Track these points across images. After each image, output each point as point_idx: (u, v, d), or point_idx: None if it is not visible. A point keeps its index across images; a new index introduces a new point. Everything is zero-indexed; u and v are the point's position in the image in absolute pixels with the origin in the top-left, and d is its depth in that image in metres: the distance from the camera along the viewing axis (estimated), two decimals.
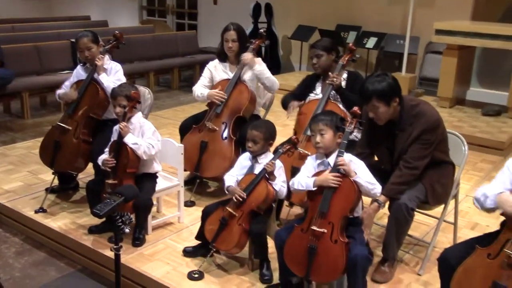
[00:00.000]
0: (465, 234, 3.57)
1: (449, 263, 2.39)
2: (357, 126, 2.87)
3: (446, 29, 6.47)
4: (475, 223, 3.86)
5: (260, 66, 4.04)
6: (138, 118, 3.40)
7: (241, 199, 2.93)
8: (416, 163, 2.92)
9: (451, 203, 3.22)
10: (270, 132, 3.11)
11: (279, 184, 2.99)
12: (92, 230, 3.47)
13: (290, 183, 2.80)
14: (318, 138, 2.74)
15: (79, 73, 3.92)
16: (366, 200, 2.93)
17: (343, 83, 3.68)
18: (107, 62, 3.86)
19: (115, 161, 3.25)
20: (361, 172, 2.65)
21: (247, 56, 3.98)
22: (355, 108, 2.85)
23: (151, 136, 3.33)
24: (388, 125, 2.99)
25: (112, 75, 3.82)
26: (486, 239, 2.37)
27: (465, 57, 6.80)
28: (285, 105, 3.87)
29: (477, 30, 6.34)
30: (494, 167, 4.97)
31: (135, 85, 3.62)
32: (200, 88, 4.11)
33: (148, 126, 3.37)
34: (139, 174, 3.36)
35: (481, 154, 5.34)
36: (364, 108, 3.11)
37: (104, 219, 3.19)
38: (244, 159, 3.14)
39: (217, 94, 3.96)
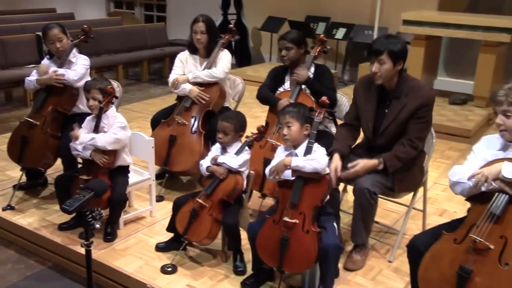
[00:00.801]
0: (434, 220, 3.65)
1: (418, 249, 2.44)
2: (326, 116, 2.91)
3: (413, 20, 6.57)
4: (444, 209, 3.95)
5: (192, 75, 3.96)
6: (112, 112, 3.35)
7: (225, 175, 2.96)
8: (418, 144, 2.99)
9: (420, 190, 3.28)
10: (240, 123, 3.11)
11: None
12: (63, 227, 3.42)
13: (266, 171, 2.82)
14: (285, 131, 2.76)
15: (49, 67, 3.81)
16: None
17: (311, 76, 3.68)
18: (74, 56, 3.79)
19: (108, 158, 3.20)
20: (318, 156, 2.69)
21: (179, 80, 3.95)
22: (324, 98, 2.88)
23: (116, 128, 3.26)
24: (380, 95, 3.05)
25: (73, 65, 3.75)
26: (453, 225, 2.43)
27: (432, 47, 6.91)
28: (264, 99, 3.78)
29: (443, 20, 6.46)
30: (462, 155, 5.08)
31: (109, 80, 3.55)
32: None
33: (118, 120, 3.32)
34: (113, 168, 3.32)
35: (449, 142, 5.45)
36: (360, 80, 3.20)
37: (73, 215, 3.15)
38: (216, 150, 3.15)
39: (199, 94, 3.92)
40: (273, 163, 2.80)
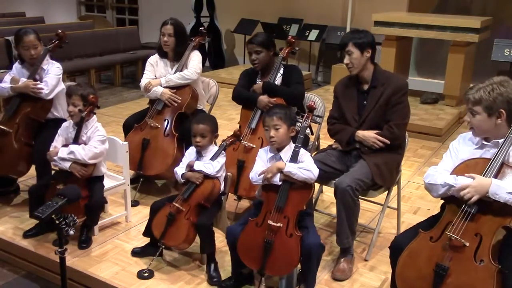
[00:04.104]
0: (408, 218, 3.71)
1: (401, 249, 2.42)
2: (314, 120, 2.91)
3: (384, 21, 6.66)
4: (417, 207, 4.01)
5: (165, 79, 3.95)
6: (93, 122, 3.27)
7: (201, 180, 2.94)
8: (395, 129, 3.11)
9: (394, 189, 3.33)
10: (215, 124, 3.11)
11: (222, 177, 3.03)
12: (28, 235, 3.35)
13: (250, 176, 2.78)
14: (272, 133, 2.73)
15: (21, 72, 3.75)
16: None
17: (280, 79, 3.69)
18: (47, 62, 3.72)
19: (87, 170, 3.16)
20: (306, 159, 2.70)
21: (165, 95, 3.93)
22: (311, 103, 2.90)
23: (96, 141, 3.19)
24: (359, 90, 3.21)
25: (46, 74, 3.69)
26: (430, 224, 2.45)
27: (403, 47, 7.02)
28: (242, 98, 3.75)
29: (413, 21, 6.56)
30: (433, 153, 5.17)
31: (93, 88, 3.48)
32: None
33: (99, 133, 3.24)
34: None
35: (421, 141, 5.54)
36: (339, 82, 3.36)
37: (38, 222, 3.10)
38: (190, 155, 3.12)
39: (171, 96, 3.90)
40: (257, 165, 2.77)
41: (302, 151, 2.73)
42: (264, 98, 3.54)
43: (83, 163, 3.14)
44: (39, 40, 3.68)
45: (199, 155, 3.08)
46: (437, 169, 2.44)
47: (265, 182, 2.69)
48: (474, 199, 2.21)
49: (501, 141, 2.32)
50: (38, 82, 3.63)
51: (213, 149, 3.09)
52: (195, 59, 4.04)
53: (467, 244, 2.22)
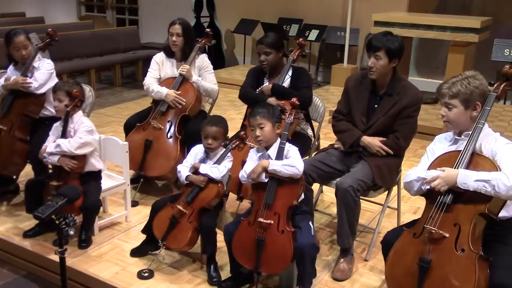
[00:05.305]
0: (408, 218, 3.68)
1: (392, 244, 2.47)
2: (297, 116, 2.92)
3: (384, 21, 6.64)
4: (417, 207, 4.01)
5: (196, 77, 3.97)
6: (79, 117, 3.30)
7: (205, 183, 2.93)
8: (401, 141, 3.10)
9: (394, 189, 3.33)
10: (227, 126, 3.11)
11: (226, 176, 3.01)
12: (28, 234, 3.36)
13: (240, 175, 2.81)
14: (258, 132, 2.74)
15: (14, 74, 3.76)
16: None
17: (288, 81, 3.68)
18: (38, 60, 3.75)
19: (76, 163, 3.16)
20: (292, 155, 2.71)
21: (186, 68, 3.94)
22: (294, 99, 2.90)
23: (82, 132, 3.21)
24: (372, 91, 3.14)
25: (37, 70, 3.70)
26: (414, 222, 2.50)
27: None
28: (250, 99, 3.72)
29: (413, 21, 6.55)
30: None
31: (80, 84, 3.50)
32: (156, 84, 4.02)
33: (84, 125, 3.25)
34: (83, 173, 3.27)
35: (421, 141, 5.53)
36: (352, 77, 3.30)
37: (38, 221, 3.09)
38: (195, 155, 3.10)
39: (176, 98, 3.89)
40: (247, 166, 2.79)
41: (288, 146, 2.75)
42: (272, 101, 3.52)
43: (70, 155, 3.15)
44: (29, 40, 3.71)
45: (206, 156, 3.06)
46: (416, 169, 2.50)
47: (250, 181, 2.72)
48: (444, 188, 2.27)
49: (471, 132, 2.39)
50: (28, 77, 3.65)
51: (221, 151, 3.07)
52: (210, 68, 4.07)
53: (447, 235, 2.27)
